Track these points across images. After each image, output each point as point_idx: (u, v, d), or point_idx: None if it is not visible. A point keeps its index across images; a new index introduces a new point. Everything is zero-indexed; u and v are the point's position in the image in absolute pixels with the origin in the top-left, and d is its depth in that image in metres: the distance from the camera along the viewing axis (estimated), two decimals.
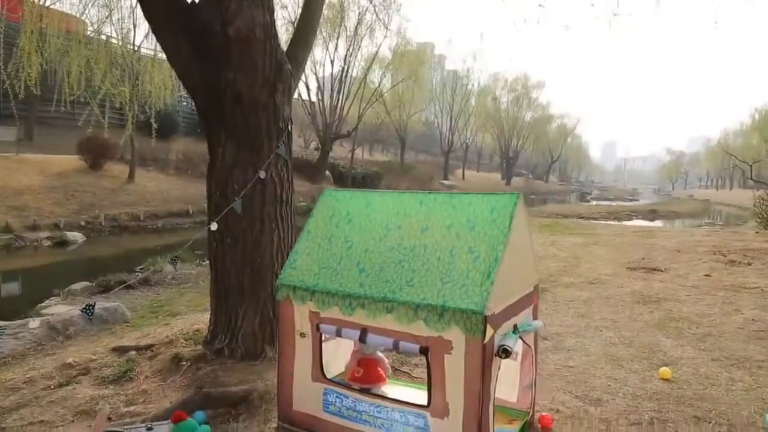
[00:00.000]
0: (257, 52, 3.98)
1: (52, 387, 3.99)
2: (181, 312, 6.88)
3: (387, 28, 32.78)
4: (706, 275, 7.92)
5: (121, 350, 4.61)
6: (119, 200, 20.02)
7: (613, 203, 42.95)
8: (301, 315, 3.02)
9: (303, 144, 42.91)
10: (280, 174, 4.26)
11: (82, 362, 4.41)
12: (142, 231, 18.76)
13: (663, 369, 4.08)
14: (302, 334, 3.03)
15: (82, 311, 3.43)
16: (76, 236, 16.05)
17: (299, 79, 4.83)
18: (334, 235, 3.14)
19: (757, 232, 14.37)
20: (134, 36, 22.16)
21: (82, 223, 17.29)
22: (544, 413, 3.29)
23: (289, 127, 4.35)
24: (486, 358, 2.46)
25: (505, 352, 2.51)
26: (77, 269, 12.23)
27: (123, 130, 22.22)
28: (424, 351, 2.60)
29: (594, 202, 46.98)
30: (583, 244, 11.69)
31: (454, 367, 2.52)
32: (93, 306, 3.47)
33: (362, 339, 2.78)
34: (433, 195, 3.05)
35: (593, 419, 3.36)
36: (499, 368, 2.66)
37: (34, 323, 3.03)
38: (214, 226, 3.97)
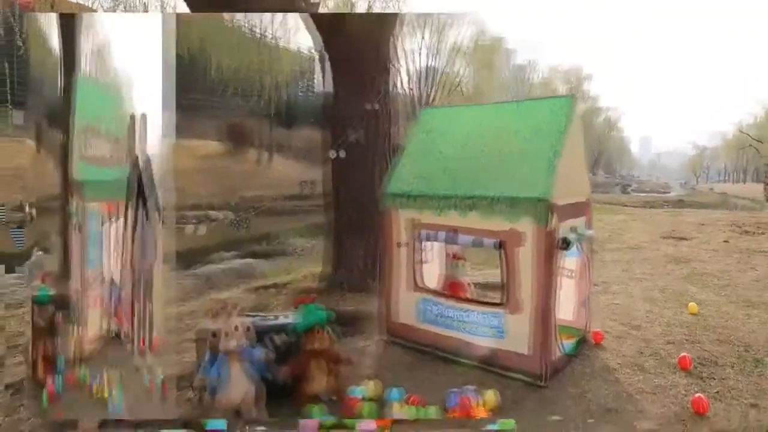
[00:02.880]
0: None
1: None
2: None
3: None
4: (724, 241, 8.18)
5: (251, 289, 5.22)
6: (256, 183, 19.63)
7: (649, 195, 42.75)
8: (400, 224, 3.19)
9: None
10: (388, 108, 4.39)
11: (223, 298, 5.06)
12: (263, 214, 18.36)
13: (691, 304, 4.41)
14: (399, 244, 3.20)
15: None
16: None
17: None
18: (428, 148, 3.34)
19: None
20: None
21: None
22: (596, 330, 3.65)
23: (396, 64, 4.59)
24: (551, 248, 2.64)
25: (565, 242, 2.66)
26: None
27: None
28: (500, 245, 2.78)
29: (633, 194, 46.25)
30: (624, 220, 11.96)
31: (525, 261, 2.70)
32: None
33: (453, 240, 2.99)
34: (505, 105, 3.37)
35: (636, 339, 3.78)
36: (561, 263, 2.82)
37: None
38: (332, 154, 4.14)
